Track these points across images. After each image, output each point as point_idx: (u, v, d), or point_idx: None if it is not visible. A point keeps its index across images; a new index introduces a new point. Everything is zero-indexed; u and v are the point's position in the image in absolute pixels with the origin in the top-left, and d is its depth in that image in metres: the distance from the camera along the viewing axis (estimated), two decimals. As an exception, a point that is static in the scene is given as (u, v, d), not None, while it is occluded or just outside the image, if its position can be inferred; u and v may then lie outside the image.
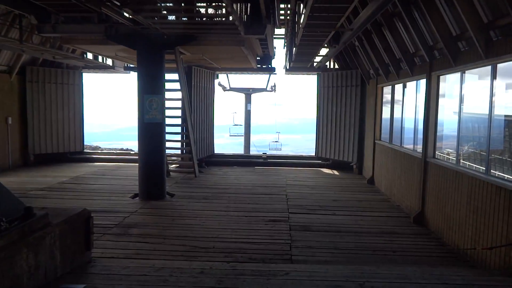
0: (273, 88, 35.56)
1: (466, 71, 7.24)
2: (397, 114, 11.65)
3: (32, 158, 15.73)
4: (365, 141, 14.57)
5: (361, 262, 6.45)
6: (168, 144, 13.91)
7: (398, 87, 11.33)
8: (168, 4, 8.99)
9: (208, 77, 16.65)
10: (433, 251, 7.15)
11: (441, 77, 8.37)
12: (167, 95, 12.08)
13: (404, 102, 10.90)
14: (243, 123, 35.69)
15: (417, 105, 9.70)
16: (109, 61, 17.07)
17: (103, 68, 17.28)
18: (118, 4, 7.52)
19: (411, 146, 10.21)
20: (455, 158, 7.62)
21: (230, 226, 8.24)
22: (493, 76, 6.25)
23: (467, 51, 6.97)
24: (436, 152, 8.56)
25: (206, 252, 6.73)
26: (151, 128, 10.52)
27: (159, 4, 8.48)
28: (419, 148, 9.63)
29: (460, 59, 7.18)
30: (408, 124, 10.75)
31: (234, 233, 7.83)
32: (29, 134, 15.57)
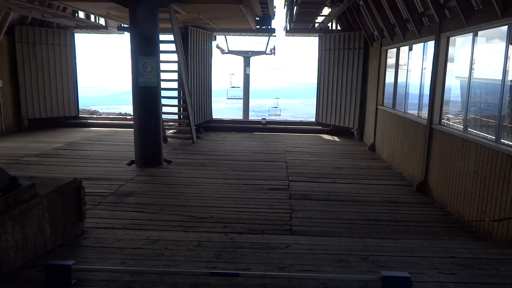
0: (273, 51, 34.76)
1: (479, 32, 6.79)
2: (401, 79, 11.21)
3: (26, 123, 15.34)
4: (367, 106, 14.17)
5: (363, 233, 6.26)
6: (164, 109, 13.56)
7: (404, 49, 10.82)
8: None
9: (206, 38, 15.98)
10: (437, 221, 6.96)
11: (450, 39, 7.88)
12: (163, 57, 11.58)
13: (410, 66, 10.43)
14: (241, 86, 35.06)
15: (424, 68, 9.25)
16: (102, 21, 16.34)
17: (96, 28, 16.55)
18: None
19: (415, 112, 9.86)
20: (461, 125, 7.30)
21: (228, 195, 8.02)
22: (510, 37, 5.81)
23: (482, 9, 6.48)
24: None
25: (204, 222, 6.52)
26: (145, 92, 10.08)
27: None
28: (424, 114, 9.30)
29: (473, 18, 6.69)
30: (413, 89, 10.34)
31: (233, 202, 7.61)
32: (21, 98, 15.10)
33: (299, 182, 9.07)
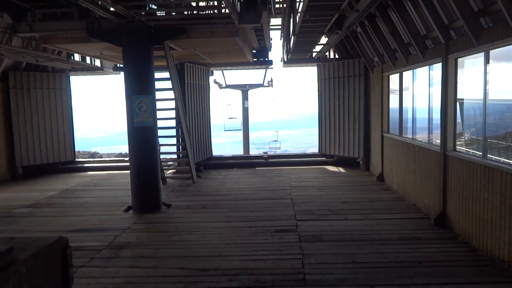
0: (270, 83, 34.72)
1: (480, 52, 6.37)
2: (406, 104, 10.79)
3: (20, 171, 14.83)
4: (372, 134, 13.69)
5: (385, 278, 5.60)
6: (162, 149, 13.10)
7: (407, 74, 10.45)
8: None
9: (203, 74, 15.73)
10: (464, 259, 6.29)
11: (458, 60, 7.48)
12: (159, 95, 11.19)
13: (415, 90, 10.01)
14: (238, 117, 34.83)
15: (431, 92, 8.83)
16: (97, 62, 16.17)
17: (92, 69, 16.34)
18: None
19: (425, 139, 9.36)
20: (481, 151, 6.76)
21: (232, 240, 7.39)
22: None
23: (492, 27, 6.09)
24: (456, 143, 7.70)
25: (207, 276, 5.87)
26: (141, 133, 9.62)
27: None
28: (435, 140, 8.79)
29: (484, 37, 6.29)
30: (420, 114, 9.89)
31: (238, 248, 6.97)
32: (15, 145, 14.67)
33: (307, 221, 8.44)
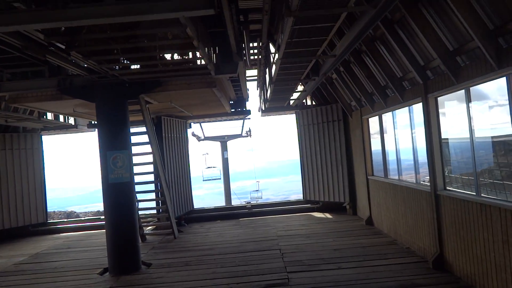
0: (249, 133, 34.83)
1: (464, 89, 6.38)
2: (388, 146, 10.73)
3: (-14, 237, 13.80)
4: (356, 178, 13.51)
5: (391, 333, 5.10)
6: (141, 204, 12.49)
7: (387, 116, 10.48)
8: (125, 55, 7.77)
9: (180, 127, 15.49)
10: (471, 304, 5.89)
11: (438, 99, 7.50)
12: (135, 149, 10.82)
13: (396, 131, 9.99)
14: (217, 165, 34.23)
15: (414, 132, 8.78)
16: (71, 120, 15.75)
17: (65, 128, 15.89)
18: (63, 47, 6.37)
19: (412, 179, 9.19)
20: (472, 189, 6.57)
21: (220, 300, 6.77)
22: (510, 88, 5.36)
23: (470, 64, 6.13)
24: (445, 181, 7.52)
25: None
26: (117, 189, 9.10)
27: (115, 51, 7.33)
28: (423, 179, 8.63)
29: (462, 75, 6.32)
30: (405, 155, 9.80)
31: (226, 309, 6.36)
32: (-19, 210, 13.76)
33: (299, 272, 7.91)
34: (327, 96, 14.70)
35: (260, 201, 23.48)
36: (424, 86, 7.59)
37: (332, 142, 14.36)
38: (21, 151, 14.95)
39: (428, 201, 7.84)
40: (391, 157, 10.45)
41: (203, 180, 34.97)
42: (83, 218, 17.88)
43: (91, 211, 31.87)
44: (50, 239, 14.06)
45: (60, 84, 9.15)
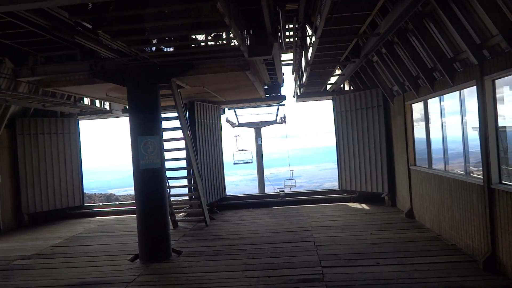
0: (283, 119, 34.35)
1: None
2: (434, 134, 9.94)
3: (26, 218, 14.16)
4: (396, 167, 12.75)
5: None
6: (172, 191, 12.39)
7: (433, 101, 9.68)
8: (155, 35, 7.42)
9: (214, 112, 15.21)
10: (531, 314, 5.23)
11: (497, 81, 6.70)
12: (167, 135, 10.64)
13: (443, 118, 9.19)
14: (249, 149, 33.64)
15: (464, 119, 8.00)
16: (106, 105, 15.84)
17: (100, 112, 16.02)
18: (90, 27, 6.11)
19: (460, 170, 8.44)
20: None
21: (250, 295, 6.43)
22: None
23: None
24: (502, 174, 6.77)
25: None
26: (148, 175, 8.93)
27: (146, 33, 7.01)
28: (474, 170, 7.87)
29: (528, 55, 5.54)
30: (452, 144, 9.02)
31: (256, 305, 6.02)
32: (22, 192, 14.11)
33: (334, 267, 7.45)
34: (366, 81, 13.92)
35: (293, 190, 23.03)
36: (480, 68, 6.80)
37: (371, 129, 13.61)
38: (59, 135, 15.19)
39: (480, 195, 7.11)
40: (436, 146, 9.67)
41: (234, 164, 33.53)
42: (118, 202, 18.15)
43: (130, 194, 32.65)
44: (86, 222, 14.28)
45: (92, 67, 9.01)
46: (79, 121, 16.16)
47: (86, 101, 14.74)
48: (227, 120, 34.43)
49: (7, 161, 13.90)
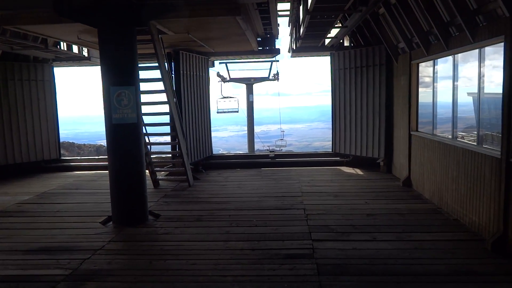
0: (276, 76, 33.24)
1: None
2: (442, 97, 9.02)
3: (-4, 171, 13.22)
4: (395, 132, 11.90)
5: None
6: (154, 148, 11.47)
7: (444, 60, 8.66)
8: None
9: (201, 63, 13.96)
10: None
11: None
12: (146, 87, 9.57)
13: (456, 79, 8.21)
14: (235, 97, 32.16)
15: (482, 81, 7.03)
16: (85, 52, 14.47)
17: (78, 59, 14.66)
18: None
19: (470, 138, 7.61)
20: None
21: (230, 271, 5.66)
22: None
23: None
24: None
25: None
26: (122, 131, 7.91)
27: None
28: (486, 139, 7.03)
29: None
30: (464, 110, 8.13)
31: (237, 284, 5.27)
32: (-9, 143, 13.07)
33: (326, 241, 6.72)
34: (369, 36, 12.74)
35: (284, 150, 22.24)
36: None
37: (371, 90, 12.61)
38: (31, 82, 13.92)
39: (495, 169, 6.29)
40: (445, 111, 8.76)
41: (217, 112, 30.67)
42: (98, 157, 17.18)
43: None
44: (62, 177, 13.38)
45: (57, 3, 7.70)
46: (55, 68, 14.82)
47: (63, 46, 13.38)
48: (218, 75, 33.11)
49: (-27, 109, 12.73)
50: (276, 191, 10.53)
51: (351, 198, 9.56)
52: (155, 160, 11.48)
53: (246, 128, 32.38)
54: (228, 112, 31.91)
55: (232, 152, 25.37)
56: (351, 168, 13.35)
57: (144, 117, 9.53)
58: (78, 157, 17.61)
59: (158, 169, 11.67)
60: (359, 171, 12.90)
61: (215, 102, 30.80)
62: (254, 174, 13.05)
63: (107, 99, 7.81)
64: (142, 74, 8.87)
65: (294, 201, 9.45)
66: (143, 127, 9.85)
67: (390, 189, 10.38)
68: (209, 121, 14.50)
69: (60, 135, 15.34)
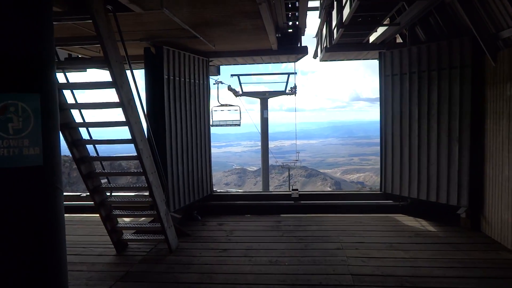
0: (293, 90, 29.90)
1: None
2: None
3: None
4: (490, 170, 7.73)
5: None
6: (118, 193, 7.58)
7: None
8: None
9: (197, 67, 9.97)
10: None
11: None
12: (85, 96, 5.64)
13: None
14: (237, 103, 28.53)
15: None
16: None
17: None
18: None
19: None
20: None
21: None
22: None
23: None
24: None
25: None
26: (10, 184, 3.99)
27: None
28: None
29: None
30: None
31: None
32: None
33: None
34: (442, 26, 8.72)
35: (308, 190, 18.16)
36: None
37: (445, 104, 8.53)
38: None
39: None
40: None
41: (212, 125, 27.62)
42: None
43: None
44: None
45: None
46: None
47: None
48: (230, 88, 29.89)
49: None
50: (307, 269, 6.41)
51: (436, 283, 5.42)
52: (116, 200, 7.40)
53: (259, 143, 29.54)
54: (227, 125, 26.39)
55: (241, 190, 21.42)
56: (412, 218, 9.17)
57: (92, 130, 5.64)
58: None
59: (122, 223, 7.67)
60: (425, 224, 8.73)
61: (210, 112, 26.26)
62: (271, 226, 8.96)
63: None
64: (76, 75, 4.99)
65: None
66: (93, 145, 5.97)
67: (491, 264, 6.20)
68: (209, 147, 10.49)
69: None
